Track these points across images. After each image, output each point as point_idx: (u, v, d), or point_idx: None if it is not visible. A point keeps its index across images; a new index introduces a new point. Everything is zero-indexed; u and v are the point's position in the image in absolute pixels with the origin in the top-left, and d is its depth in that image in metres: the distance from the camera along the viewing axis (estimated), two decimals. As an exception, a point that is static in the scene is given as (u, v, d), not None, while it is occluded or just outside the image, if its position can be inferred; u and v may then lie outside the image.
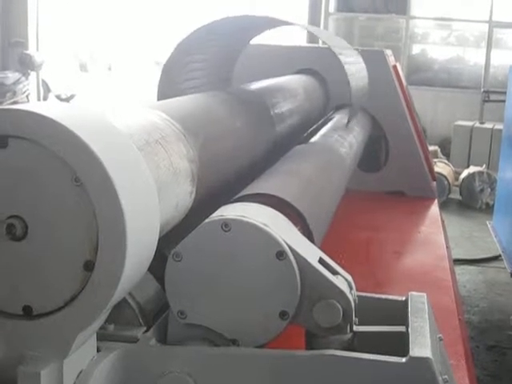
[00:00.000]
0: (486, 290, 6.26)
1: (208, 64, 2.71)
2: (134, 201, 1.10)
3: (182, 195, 1.47)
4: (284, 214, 1.51)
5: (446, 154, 11.58)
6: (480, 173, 9.68)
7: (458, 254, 6.72)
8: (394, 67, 4.23)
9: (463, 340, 2.19)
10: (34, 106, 1.09)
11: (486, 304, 5.89)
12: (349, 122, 2.91)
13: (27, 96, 11.02)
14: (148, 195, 1.16)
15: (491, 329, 5.34)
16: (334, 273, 1.39)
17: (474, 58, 14.00)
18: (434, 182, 4.40)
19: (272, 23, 2.59)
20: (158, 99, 2.42)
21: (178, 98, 2.03)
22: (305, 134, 2.84)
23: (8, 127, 1.08)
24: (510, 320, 5.41)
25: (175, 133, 1.53)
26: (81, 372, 1.20)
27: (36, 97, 11.55)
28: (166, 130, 1.50)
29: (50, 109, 1.09)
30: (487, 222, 6.78)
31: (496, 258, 6.78)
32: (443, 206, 6.08)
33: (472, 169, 9.97)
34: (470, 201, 9.59)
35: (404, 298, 1.49)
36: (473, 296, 6.03)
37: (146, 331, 1.38)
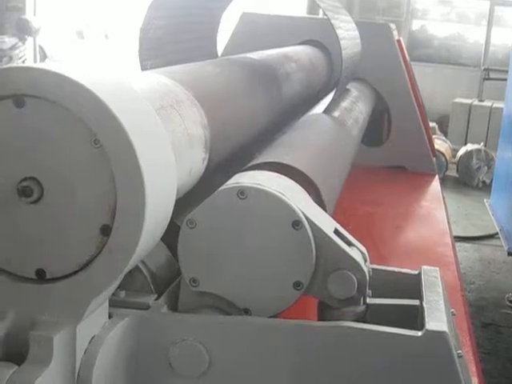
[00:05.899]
0: (482, 267, 6.27)
1: (188, 23, 2.63)
2: (153, 165, 1.07)
3: (196, 161, 1.44)
4: (298, 184, 1.49)
5: (444, 131, 11.56)
6: (477, 151, 9.68)
7: (455, 231, 6.69)
8: (398, 41, 4.20)
9: (466, 316, 2.19)
10: (52, 65, 1.05)
11: (482, 282, 5.91)
12: (336, 94, 2.73)
13: (23, 61, 10.91)
14: (166, 160, 1.14)
15: (487, 307, 5.36)
16: (349, 244, 1.37)
17: (475, 35, 13.90)
18: (434, 158, 4.39)
19: None
20: (142, 68, 2.36)
21: (185, 65, 2.00)
22: (311, 104, 2.80)
23: (25, 86, 1.05)
24: (505, 299, 5.43)
25: (188, 98, 1.51)
26: (93, 337, 1.18)
27: (33, 62, 11.43)
28: (179, 94, 1.47)
29: (68, 69, 1.06)
30: (485, 200, 6.78)
31: (492, 236, 6.80)
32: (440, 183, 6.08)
33: (470, 146, 9.97)
34: (466, 178, 9.59)
35: (417, 272, 1.48)
36: (469, 273, 6.04)
37: (157, 298, 1.37)
